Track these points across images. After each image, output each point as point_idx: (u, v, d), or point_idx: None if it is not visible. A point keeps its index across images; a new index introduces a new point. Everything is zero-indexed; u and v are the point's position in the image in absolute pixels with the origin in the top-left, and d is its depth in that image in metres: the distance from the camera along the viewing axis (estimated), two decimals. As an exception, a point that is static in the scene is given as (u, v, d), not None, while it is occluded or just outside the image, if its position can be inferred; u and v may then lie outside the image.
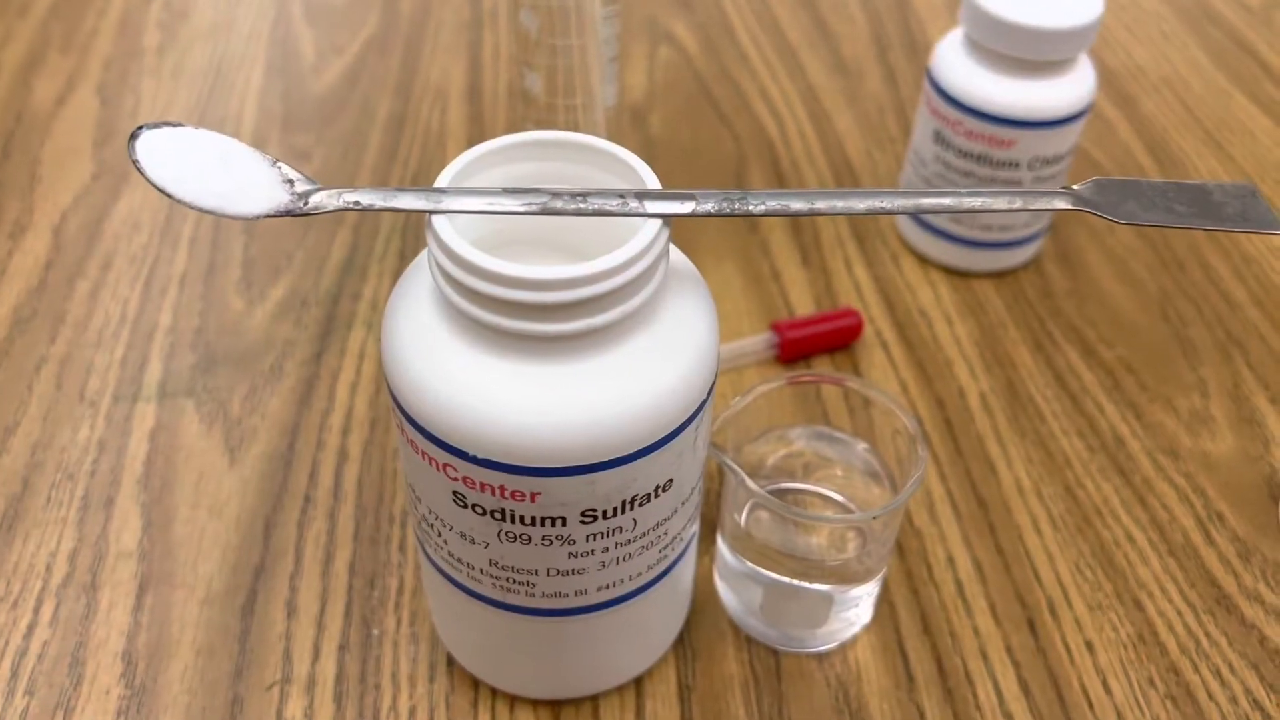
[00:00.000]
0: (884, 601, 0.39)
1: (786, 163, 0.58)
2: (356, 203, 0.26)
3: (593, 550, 0.30)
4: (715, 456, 0.35)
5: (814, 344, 0.47)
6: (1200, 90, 0.65)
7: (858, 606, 0.37)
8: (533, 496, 0.28)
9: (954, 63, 0.48)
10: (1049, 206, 0.27)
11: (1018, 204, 0.27)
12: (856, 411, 0.41)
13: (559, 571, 0.30)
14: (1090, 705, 0.37)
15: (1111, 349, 0.49)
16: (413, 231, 0.53)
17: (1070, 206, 0.27)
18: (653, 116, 0.61)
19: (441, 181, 0.28)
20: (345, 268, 0.52)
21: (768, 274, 0.52)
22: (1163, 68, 0.67)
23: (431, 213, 0.26)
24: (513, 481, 0.28)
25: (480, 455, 0.27)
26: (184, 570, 0.40)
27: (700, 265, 0.52)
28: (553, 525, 0.29)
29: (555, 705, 0.36)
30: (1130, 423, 0.46)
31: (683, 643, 0.38)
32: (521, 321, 0.26)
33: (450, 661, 0.37)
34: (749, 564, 0.37)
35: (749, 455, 0.39)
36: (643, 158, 0.59)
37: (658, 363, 0.28)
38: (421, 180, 0.56)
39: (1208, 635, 0.39)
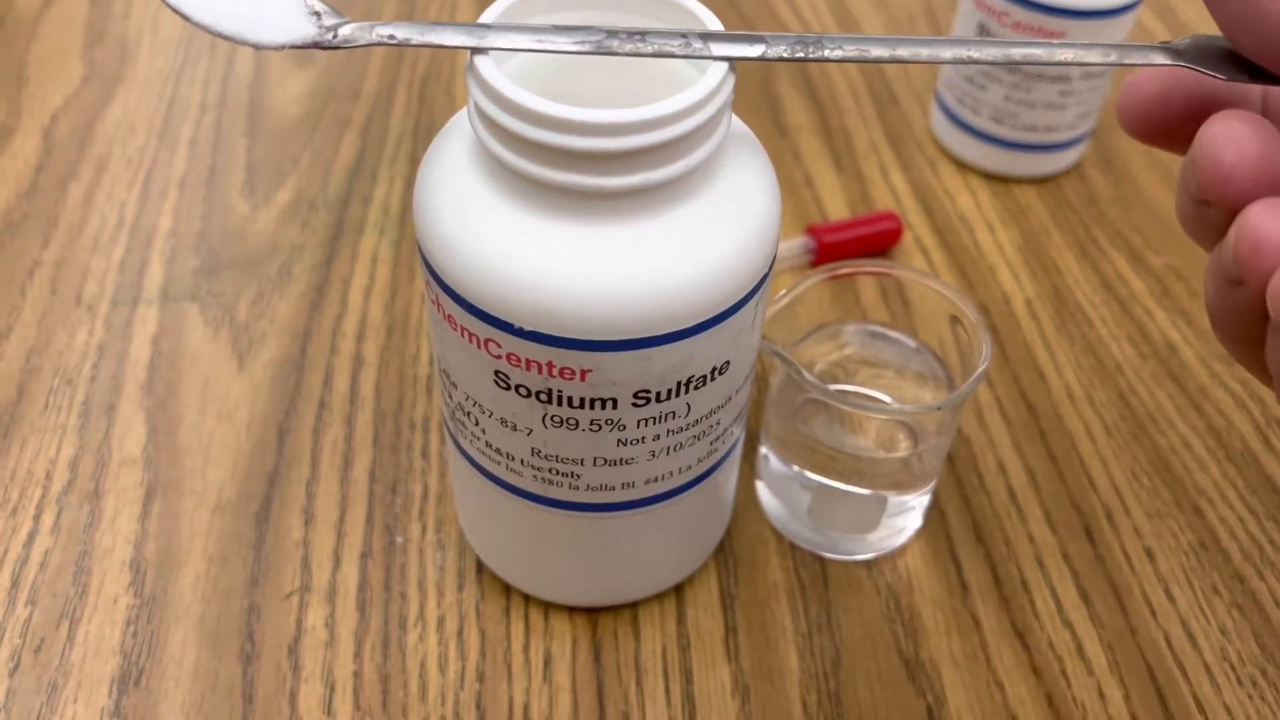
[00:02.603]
0: (933, 509, 0.37)
1: (815, 69, 0.56)
2: (391, 36, 0.23)
3: (643, 437, 0.28)
4: (767, 350, 0.32)
5: (851, 248, 0.45)
6: (1240, -1, 0.62)
7: (909, 513, 0.35)
8: (583, 374, 0.26)
9: (1001, -50, 0.45)
10: (1146, 61, 0.25)
11: (1112, 57, 0.25)
12: (895, 310, 0.39)
13: (606, 461, 0.28)
14: (1153, 613, 0.35)
15: (1159, 256, 0.47)
16: (424, 134, 0.51)
17: (1170, 62, 0.25)
18: (672, 22, 0.58)
19: (485, 20, 0.25)
20: (354, 171, 0.49)
21: (800, 180, 0.49)
22: (1201, -24, 0.64)
23: (474, 50, 0.24)
24: (562, 357, 0.26)
25: (527, 327, 0.25)
26: (192, 477, 0.37)
27: (728, 170, 0.49)
28: (603, 408, 0.27)
29: (592, 613, 0.34)
30: (1182, 329, 0.44)
31: (723, 550, 0.36)
32: (574, 174, 0.24)
33: (480, 568, 0.35)
34: (796, 467, 0.35)
35: (799, 355, 0.36)
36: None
37: (720, 228, 0.26)
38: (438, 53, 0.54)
39: (1271, 542, 0.37)
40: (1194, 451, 0.40)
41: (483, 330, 0.26)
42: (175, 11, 0.22)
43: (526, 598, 0.35)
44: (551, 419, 0.27)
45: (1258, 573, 0.36)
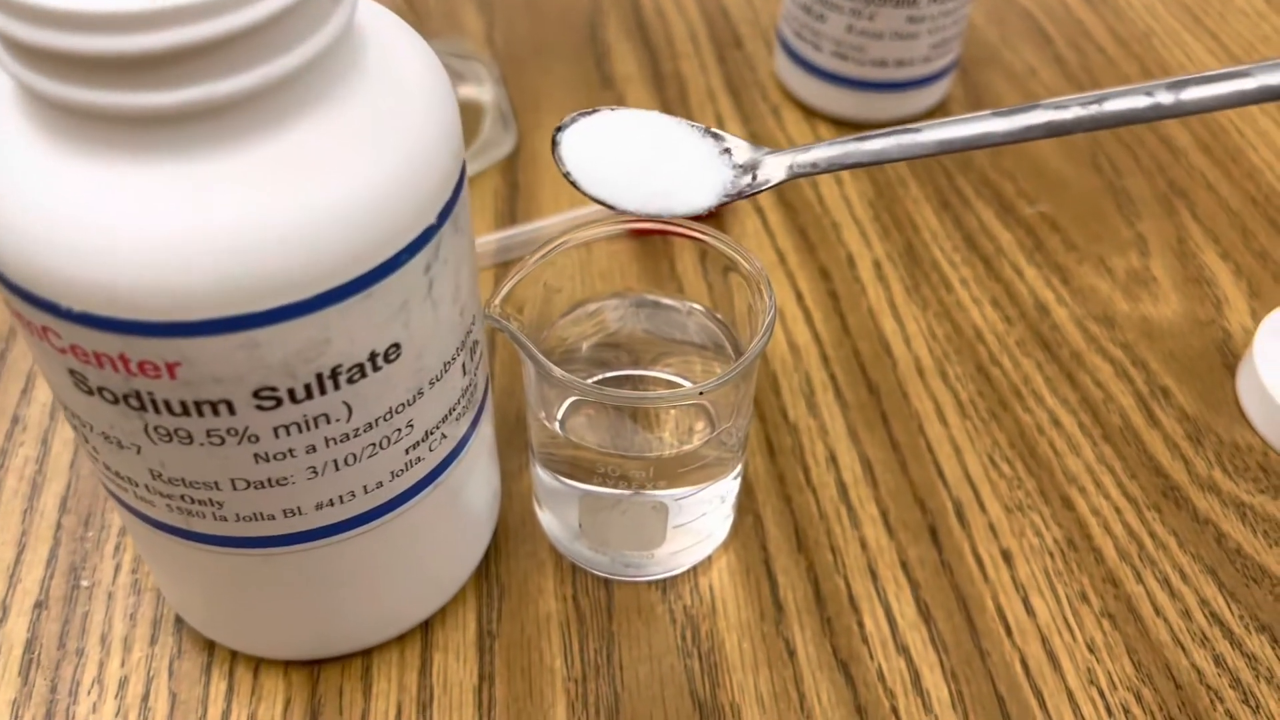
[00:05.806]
0: (747, 514, 0.31)
1: (650, 10, 0.49)
2: (813, 165, 0.24)
3: (291, 450, 0.21)
4: (497, 325, 0.26)
5: (671, 209, 0.39)
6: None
7: (704, 518, 0.29)
8: (170, 370, 0.19)
9: None
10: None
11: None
12: (672, 273, 0.32)
13: (250, 484, 0.22)
14: (1008, 630, 0.29)
15: (1033, 205, 0.41)
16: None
17: None
18: (496, -33, 0.52)
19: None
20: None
21: (622, 135, 0.43)
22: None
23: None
24: (136, 347, 0.19)
25: (76, 308, 0.18)
26: None
27: (546, 127, 0.43)
28: (216, 414, 0.20)
29: (313, 665, 0.28)
30: (1056, 288, 0.38)
31: (486, 577, 0.30)
32: (105, 91, 0.17)
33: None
34: (559, 476, 0.28)
35: (554, 337, 0.30)
36: (477, 5, 0.49)
37: (348, 155, 0.19)
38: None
39: (1153, 536, 0.31)
40: (1065, 430, 0.34)
41: (34, 315, 0.19)
42: (603, 205, 0.24)
43: (234, 651, 0.28)
44: (156, 431, 0.20)
45: (1135, 574, 0.30)
